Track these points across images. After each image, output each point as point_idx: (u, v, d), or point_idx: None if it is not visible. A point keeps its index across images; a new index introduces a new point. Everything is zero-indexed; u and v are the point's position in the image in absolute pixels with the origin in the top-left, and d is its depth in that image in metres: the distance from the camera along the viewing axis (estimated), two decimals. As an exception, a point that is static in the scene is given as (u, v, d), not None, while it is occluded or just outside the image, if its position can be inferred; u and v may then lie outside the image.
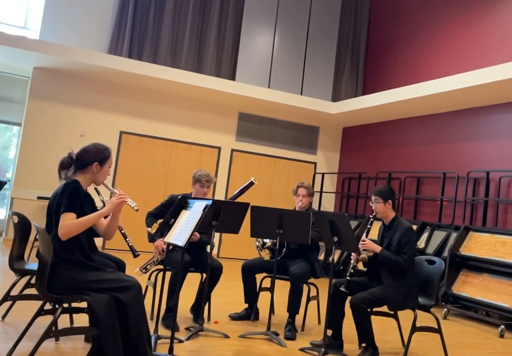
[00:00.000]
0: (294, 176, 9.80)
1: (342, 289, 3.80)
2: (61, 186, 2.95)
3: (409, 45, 9.13)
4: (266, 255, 4.56)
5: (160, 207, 4.41)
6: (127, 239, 3.52)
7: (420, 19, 8.95)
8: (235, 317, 4.60)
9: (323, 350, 3.64)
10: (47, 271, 2.73)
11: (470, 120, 7.60)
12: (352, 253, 3.91)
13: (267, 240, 4.52)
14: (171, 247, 3.98)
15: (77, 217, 2.84)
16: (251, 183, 4.39)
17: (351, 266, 3.86)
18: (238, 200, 4.19)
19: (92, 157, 3.02)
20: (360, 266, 4.03)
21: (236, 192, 4.43)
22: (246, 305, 4.64)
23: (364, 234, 3.93)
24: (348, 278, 3.83)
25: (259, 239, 4.58)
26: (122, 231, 3.47)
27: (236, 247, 9.08)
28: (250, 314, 4.59)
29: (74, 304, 3.09)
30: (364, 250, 3.85)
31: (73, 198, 2.85)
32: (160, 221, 3.80)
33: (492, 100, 7.11)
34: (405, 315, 4.06)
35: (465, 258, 6.18)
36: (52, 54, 7.48)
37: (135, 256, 3.53)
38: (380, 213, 3.94)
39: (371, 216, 4.00)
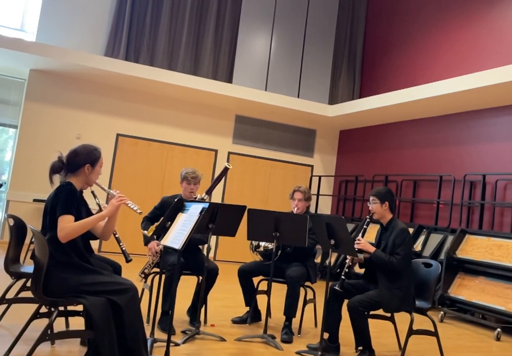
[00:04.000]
0: (291, 179, 9.80)
1: (336, 288, 3.79)
2: (56, 188, 2.93)
3: (406, 48, 9.15)
4: (257, 256, 4.57)
5: (154, 210, 4.43)
6: (121, 244, 3.52)
7: (417, 23, 8.98)
8: (238, 321, 4.57)
9: (319, 353, 3.64)
10: (42, 274, 2.71)
11: (467, 123, 7.62)
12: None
13: (262, 244, 4.50)
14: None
15: (74, 219, 2.83)
16: (226, 169, 4.35)
17: (346, 265, 3.85)
18: (232, 201, 4.18)
19: (83, 159, 2.99)
20: (358, 269, 4.02)
21: (213, 181, 4.39)
22: (247, 308, 4.62)
23: (360, 234, 3.92)
24: (343, 277, 3.81)
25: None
26: (116, 235, 3.46)
27: (233, 250, 9.06)
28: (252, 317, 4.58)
29: (70, 307, 3.07)
30: (359, 251, 3.84)
31: (69, 200, 2.84)
32: (157, 224, 3.80)
33: (488, 104, 7.14)
34: (402, 318, 4.06)
35: (461, 261, 6.19)
36: (48, 56, 7.46)
37: (128, 261, 3.52)
38: (376, 214, 3.95)
39: (367, 216, 4.00)
